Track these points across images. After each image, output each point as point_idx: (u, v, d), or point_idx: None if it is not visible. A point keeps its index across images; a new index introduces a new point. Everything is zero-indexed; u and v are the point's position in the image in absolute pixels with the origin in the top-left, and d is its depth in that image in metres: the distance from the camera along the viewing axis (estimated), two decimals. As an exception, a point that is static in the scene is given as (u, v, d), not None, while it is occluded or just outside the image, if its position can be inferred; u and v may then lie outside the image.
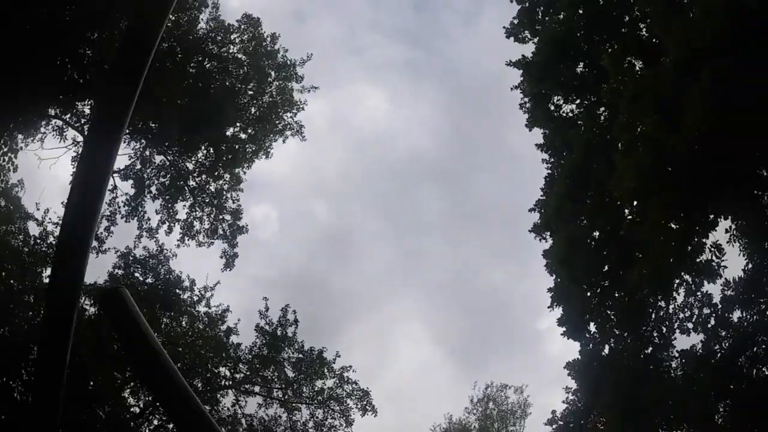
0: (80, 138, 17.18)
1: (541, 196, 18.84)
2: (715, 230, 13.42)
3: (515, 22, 19.15)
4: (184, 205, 18.20)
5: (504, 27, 19.21)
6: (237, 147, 18.08)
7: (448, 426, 27.37)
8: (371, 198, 64.66)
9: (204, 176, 18.40)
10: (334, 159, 61.88)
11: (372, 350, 53.20)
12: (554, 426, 16.26)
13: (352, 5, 64.31)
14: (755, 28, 11.25)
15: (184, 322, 22.61)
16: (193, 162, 18.39)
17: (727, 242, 13.19)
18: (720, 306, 13.83)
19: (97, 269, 20.67)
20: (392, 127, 64.44)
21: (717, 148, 11.53)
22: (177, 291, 21.92)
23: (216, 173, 18.29)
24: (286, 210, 50.85)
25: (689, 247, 13.55)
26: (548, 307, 15.69)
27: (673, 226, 12.70)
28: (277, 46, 18.30)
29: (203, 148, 18.44)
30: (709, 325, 13.99)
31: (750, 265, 13.34)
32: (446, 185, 65.98)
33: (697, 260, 13.94)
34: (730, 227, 12.92)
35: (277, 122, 18.36)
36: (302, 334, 20.98)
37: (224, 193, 18.56)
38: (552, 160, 19.42)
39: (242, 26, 18.75)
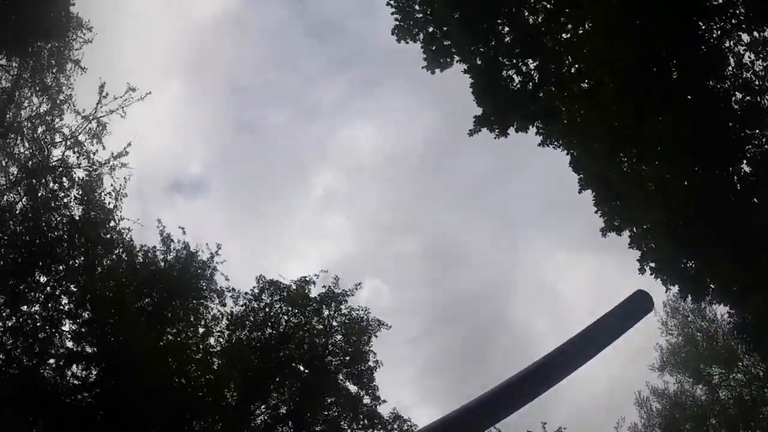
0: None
1: (579, 181, 18.98)
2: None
3: (426, 59, 19.15)
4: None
5: (422, 67, 19.26)
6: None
7: (662, 353, 28.41)
8: (433, 200, 64.96)
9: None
10: (381, 201, 62.64)
11: (548, 307, 53.03)
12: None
13: (279, 84, 64.45)
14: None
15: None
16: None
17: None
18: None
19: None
20: (398, 137, 64.59)
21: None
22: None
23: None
24: (382, 268, 51.69)
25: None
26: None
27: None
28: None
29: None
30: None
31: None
32: (475, 138, 65.55)
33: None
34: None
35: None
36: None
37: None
38: (561, 145, 19.57)
39: (268, 289, 19.92)
